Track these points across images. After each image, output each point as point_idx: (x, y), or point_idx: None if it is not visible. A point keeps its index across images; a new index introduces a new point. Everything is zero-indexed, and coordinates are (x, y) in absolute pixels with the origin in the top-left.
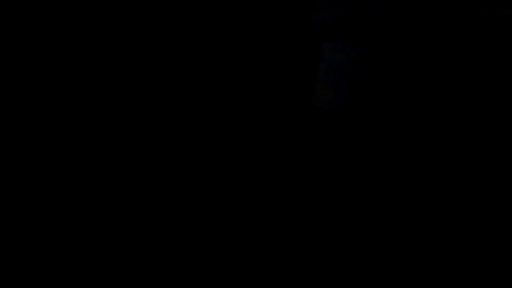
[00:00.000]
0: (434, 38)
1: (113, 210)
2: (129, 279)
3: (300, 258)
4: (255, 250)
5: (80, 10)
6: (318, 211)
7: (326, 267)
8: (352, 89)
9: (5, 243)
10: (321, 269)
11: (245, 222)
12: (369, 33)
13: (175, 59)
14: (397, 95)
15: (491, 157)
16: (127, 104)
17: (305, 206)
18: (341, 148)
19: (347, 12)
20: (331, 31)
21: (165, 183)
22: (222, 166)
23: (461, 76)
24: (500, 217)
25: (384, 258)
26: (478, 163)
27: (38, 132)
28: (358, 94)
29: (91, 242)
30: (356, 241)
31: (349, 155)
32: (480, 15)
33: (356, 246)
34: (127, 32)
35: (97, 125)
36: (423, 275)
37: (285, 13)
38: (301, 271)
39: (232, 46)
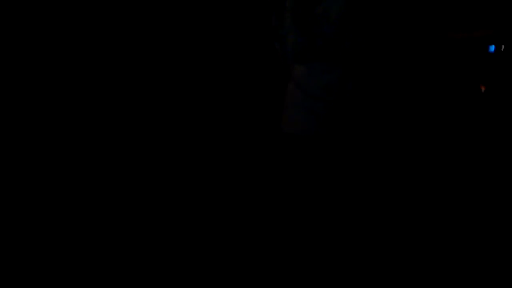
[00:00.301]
0: (407, 63)
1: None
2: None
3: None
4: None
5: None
6: (282, 228)
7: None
8: (321, 114)
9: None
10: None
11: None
12: (340, 59)
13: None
14: (366, 122)
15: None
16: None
17: (270, 224)
18: (308, 172)
19: (318, 37)
20: (301, 56)
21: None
22: (198, 186)
23: (436, 102)
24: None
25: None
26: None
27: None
28: (327, 119)
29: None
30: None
31: (316, 179)
32: (451, 38)
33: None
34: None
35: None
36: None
37: (254, 36)
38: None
39: (202, 70)
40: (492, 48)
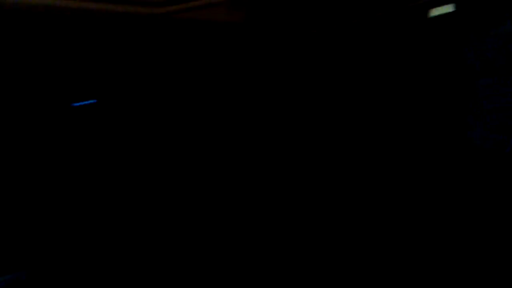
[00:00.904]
0: None
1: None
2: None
3: None
4: None
5: None
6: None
7: None
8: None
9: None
10: None
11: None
12: None
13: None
14: None
15: None
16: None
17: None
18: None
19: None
20: (491, 67)
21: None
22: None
23: None
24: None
25: None
26: None
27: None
28: None
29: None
30: None
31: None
32: None
33: None
34: None
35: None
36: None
37: (439, 49)
38: None
39: (387, 85)
40: None
